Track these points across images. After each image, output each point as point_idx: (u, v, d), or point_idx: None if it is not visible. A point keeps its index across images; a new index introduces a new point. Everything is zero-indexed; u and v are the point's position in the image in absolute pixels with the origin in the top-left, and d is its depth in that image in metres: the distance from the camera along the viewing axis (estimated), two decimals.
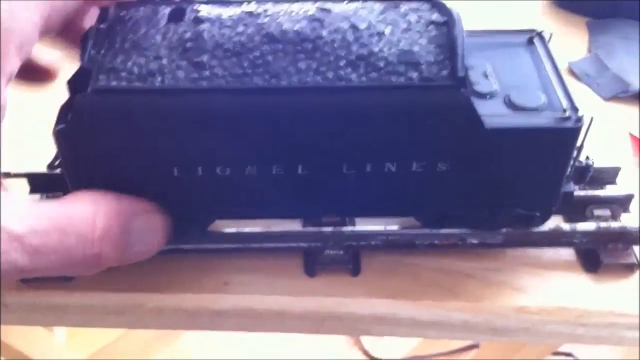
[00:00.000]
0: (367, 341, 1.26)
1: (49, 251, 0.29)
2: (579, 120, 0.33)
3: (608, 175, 0.43)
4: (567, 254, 0.41)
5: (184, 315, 0.38)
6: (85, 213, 0.30)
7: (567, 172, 0.35)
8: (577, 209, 0.41)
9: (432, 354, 1.25)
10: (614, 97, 0.53)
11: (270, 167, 0.33)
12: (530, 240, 0.40)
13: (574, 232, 0.39)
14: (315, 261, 0.39)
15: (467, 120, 0.32)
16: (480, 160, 0.34)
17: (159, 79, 0.30)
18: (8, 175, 0.39)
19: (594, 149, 0.38)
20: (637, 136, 0.48)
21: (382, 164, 0.34)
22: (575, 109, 0.33)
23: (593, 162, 0.38)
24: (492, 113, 0.33)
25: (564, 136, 0.33)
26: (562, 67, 0.52)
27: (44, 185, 0.39)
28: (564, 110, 0.33)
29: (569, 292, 0.38)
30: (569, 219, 0.41)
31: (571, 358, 1.24)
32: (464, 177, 0.35)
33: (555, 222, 0.39)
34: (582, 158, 0.37)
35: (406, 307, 0.38)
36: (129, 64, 0.31)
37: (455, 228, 0.39)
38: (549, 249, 0.40)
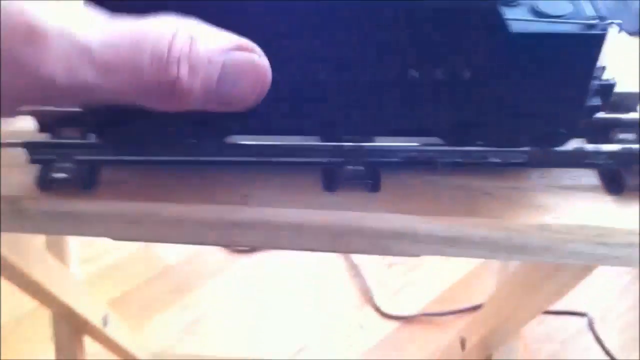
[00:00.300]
0: (379, 298, 1.26)
1: (121, 68, 0.25)
2: (605, 28, 0.32)
3: (630, 101, 0.42)
4: (590, 178, 0.40)
5: (202, 227, 0.38)
6: (165, 30, 0.25)
7: (592, 85, 0.35)
8: (601, 133, 0.41)
9: (442, 311, 1.25)
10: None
11: (288, 74, 0.33)
12: (554, 160, 0.39)
13: (598, 153, 0.39)
14: (334, 177, 0.38)
15: (492, 24, 0.32)
16: (504, 67, 0.33)
17: None
18: None
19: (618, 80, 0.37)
20: None
21: (405, 70, 0.33)
22: (601, 17, 0.33)
23: (616, 82, 0.37)
24: (519, 20, 0.32)
25: (589, 43, 0.33)
26: None
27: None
28: (590, 18, 0.33)
29: (592, 212, 0.38)
30: (593, 141, 0.40)
31: (585, 317, 1.24)
32: (488, 86, 0.34)
33: (579, 143, 0.39)
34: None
35: (425, 222, 0.37)
36: None
37: (478, 146, 0.38)
38: (572, 171, 0.40)
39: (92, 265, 1.26)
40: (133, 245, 1.31)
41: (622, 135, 0.41)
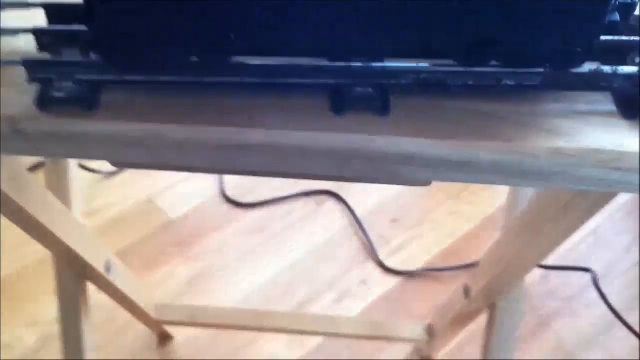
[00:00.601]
0: (382, 254, 1.26)
1: None
2: None
3: None
4: (605, 104, 0.39)
5: (205, 149, 0.37)
6: None
7: (611, 2, 0.33)
8: (618, 56, 0.39)
9: (445, 266, 1.25)
10: None
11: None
12: (569, 83, 0.38)
13: (614, 75, 0.38)
14: (342, 99, 0.37)
15: None
16: None
17: None
18: (27, 5, 0.37)
19: None
20: None
21: None
22: None
23: (637, 1, 0.36)
24: None
25: None
26: None
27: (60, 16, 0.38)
28: None
29: (606, 137, 0.37)
30: (610, 64, 0.38)
31: (589, 273, 1.24)
32: (501, 1, 0.33)
33: (595, 65, 0.38)
34: None
35: (434, 145, 0.37)
36: None
37: (492, 67, 0.37)
38: (587, 95, 0.39)
39: (94, 219, 1.26)
40: (136, 198, 1.31)
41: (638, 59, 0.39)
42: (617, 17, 0.35)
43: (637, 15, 0.39)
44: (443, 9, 0.33)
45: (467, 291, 0.81)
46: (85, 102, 0.36)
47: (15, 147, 0.37)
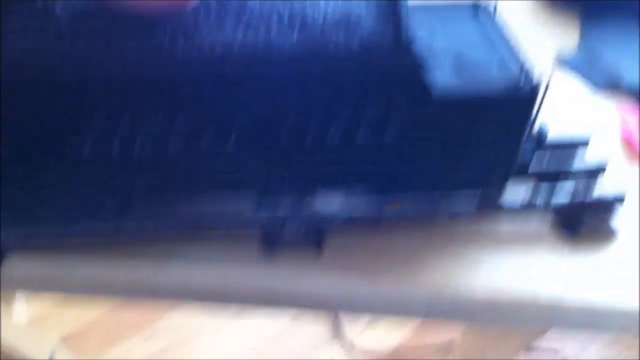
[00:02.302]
0: (350, 333, 1.24)
1: None
2: (534, 87, 0.31)
3: (580, 146, 0.40)
4: (542, 224, 0.39)
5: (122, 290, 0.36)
6: None
7: (523, 139, 0.34)
8: (553, 179, 0.39)
9: (415, 345, 1.23)
10: (606, 89, 0.49)
11: (197, 140, 0.31)
12: (505, 210, 0.37)
13: (548, 203, 0.37)
14: (273, 244, 0.36)
15: (415, 88, 0.30)
16: (430, 130, 0.32)
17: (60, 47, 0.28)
18: None
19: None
20: (629, 130, 0.45)
21: (325, 133, 0.32)
22: (528, 76, 0.31)
23: (548, 130, 0.37)
24: (441, 81, 0.31)
25: (519, 103, 0.32)
26: (551, 58, 0.51)
27: None
28: (517, 78, 0.31)
29: (542, 274, 0.36)
30: (545, 188, 0.39)
31: (559, 358, 1.22)
32: (412, 149, 0.33)
33: (530, 190, 0.38)
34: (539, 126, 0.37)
35: (367, 287, 0.36)
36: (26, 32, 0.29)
37: (410, 198, 0.36)
38: (523, 218, 0.39)
39: (45, 297, 1.23)
40: None
41: (572, 181, 0.39)
42: (528, 155, 0.37)
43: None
44: (354, 153, 0.33)
45: None
46: None
47: None
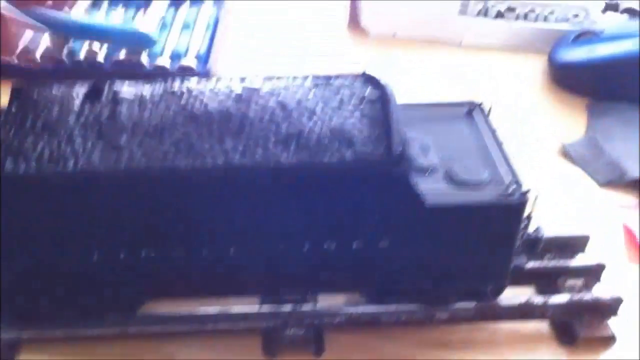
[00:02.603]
0: None
1: None
2: (523, 195, 0.31)
3: (578, 244, 0.41)
4: (541, 326, 0.38)
5: None
6: None
7: (516, 246, 0.34)
8: (549, 280, 0.39)
9: None
10: (609, 183, 0.49)
11: (199, 249, 0.32)
12: (502, 315, 0.37)
13: (546, 305, 0.37)
14: (275, 341, 0.36)
15: (406, 198, 0.31)
16: (423, 237, 0.32)
17: (72, 162, 0.29)
18: None
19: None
20: (631, 228, 0.44)
21: (321, 242, 0.32)
22: (518, 183, 0.32)
23: (543, 234, 0.37)
24: (433, 189, 0.32)
25: (508, 211, 0.32)
26: (556, 148, 0.51)
27: None
28: (507, 186, 0.32)
29: None
30: (541, 290, 0.39)
31: None
32: (407, 253, 0.33)
33: (526, 294, 0.38)
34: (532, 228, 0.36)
35: None
36: (41, 146, 0.30)
37: (405, 303, 0.36)
38: (521, 320, 0.38)
39: None
40: None
41: (570, 282, 0.39)
42: (521, 261, 0.36)
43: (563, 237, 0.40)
44: (350, 260, 0.33)
45: None
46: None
47: None
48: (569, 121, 0.55)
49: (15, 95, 0.33)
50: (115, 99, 0.32)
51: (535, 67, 0.61)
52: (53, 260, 0.32)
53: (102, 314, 0.35)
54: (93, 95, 0.32)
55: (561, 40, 0.59)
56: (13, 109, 0.32)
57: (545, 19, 0.62)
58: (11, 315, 0.35)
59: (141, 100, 0.32)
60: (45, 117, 0.31)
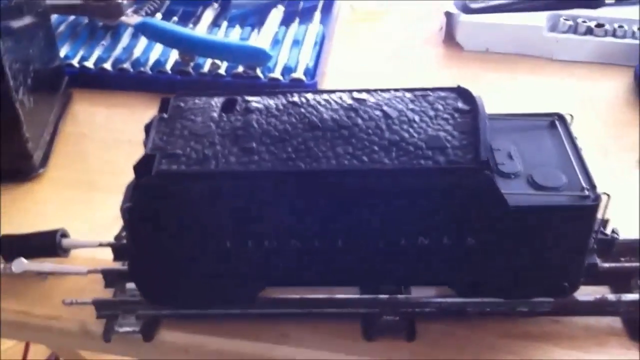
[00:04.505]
0: None
1: None
2: (597, 198, 0.35)
3: None
4: (614, 323, 0.42)
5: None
6: None
7: (589, 246, 0.37)
8: (623, 280, 0.42)
9: None
10: None
11: (312, 241, 0.37)
12: (578, 309, 0.41)
13: (619, 302, 0.41)
14: (372, 326, 0.41)
15: (491, 199, 0.35)
16: (506, 236, 0.36)
17: (214, 163, 0.35)
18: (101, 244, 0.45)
19: None
20: None
21: (415, 238, 0.37)
22: (593, 187, 0.35)
23: (618, 235, 0.39)
24: (516, 192, 0.35)
25: (582, 213, 0.35)
26: (636, 160, 0.54)
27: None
28: (583, 189, 0.35)
29: None
30: (615, 289, 0.42)
31: None
32: (491, 250, 0.37)
33: (601, 292, 0.41)
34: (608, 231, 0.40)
35: None
36: (188, 149, 0.36)
37: (489, 297, 0.40)
38: (596, 316, 0.42)
39: None
40: None
41: None
42: (595, 259, 0.39)
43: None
44: (440, 255, 0.37)
45: None
46: (145, 334, 0.42)
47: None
48: None
49: (163, 104, 0.39)
50: (248, 109, 0.38)
51: (623, 81, 0.63)
52: (191, 248, 0.38)
53: (229, 299, 0.41)
54: (229, 106, 0.38)
55: None
56: (163, 117, 0.38)
57: (633, 34, 0.65)
58: (153, 296, 0.41)
59: (268, 110, 0.38)
60: (189, 124, 0.37)
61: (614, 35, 0.65)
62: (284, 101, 0.38)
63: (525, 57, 0.67)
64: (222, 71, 0.63)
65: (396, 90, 0.39)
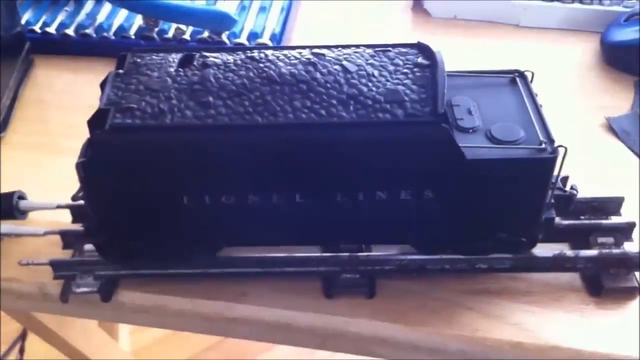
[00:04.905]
0: None
1: None
2: (554, 151, 0.35)
3: (612, 206, 0.44)
4: (573, 279, 0.42)
5: (201, 320, 0.42)
6: None
7: (547, 200, 0.37)
8: (582, 237, 0.43)
9: None
10: None
11: (270, 196, 0.37)
12: (537, 266, 0.41)
13: (577, 258, 0.41)
14: (332, 284, 0.41)
15: (448, 152, 0.35)
16: (463, 189, 0.36)
17: (169, 117, 0.35)
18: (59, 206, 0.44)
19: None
20: None
21: (374, 192, 0.37)
22: (551, 141, 0.36)
23: (577, 192, 0.40)
24: (474, 145, 0.36)
25: (540, 166, 0.36)
26: (601, 122, 0.54)
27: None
28: (541, 143, 0.35)
29: (569, 326, 0.40)
30: (574, 246, 0.43)
31: None
32: (449, 204, 0.37)
33: (560, 248, 0.42)
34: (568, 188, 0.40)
35: (407, 331, 0.40)
36: (143, 104, 0.35)
37: (448, 254, 0.41)
38: (555, 273, 0.42)
39: (143, 335, 1.28)
40: None
41: (601, 240, 0.43)
42: (552, 214, 0.39)
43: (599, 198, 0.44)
44: (399, 211, 0.38)
45: None
46: (103, 294, 0.42)
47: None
48: (616, 98, 0.58)
49: (120, 61, 0.38)
50: (205, 64, 0.37)
51: (588, 47, 0.64)
52: (148, 205, 0.37)
53: (188, 257, 0.41)
54: (186, 62, 0.38)
55: (613, 21, 0.62)
56: (118, 72, 0.38)
57: (600, 1, 0.65)
58: (112, 255, 0.41)
59: (226, 65, 0.37)
60: (146, 80, 0.37)
61: (580, 1, 0.65)
62: (243, 56, 0.38)
63: (492, 24, 0.67)
64: (187, 36, 0.62)
65: (357, 46, 0.39)
